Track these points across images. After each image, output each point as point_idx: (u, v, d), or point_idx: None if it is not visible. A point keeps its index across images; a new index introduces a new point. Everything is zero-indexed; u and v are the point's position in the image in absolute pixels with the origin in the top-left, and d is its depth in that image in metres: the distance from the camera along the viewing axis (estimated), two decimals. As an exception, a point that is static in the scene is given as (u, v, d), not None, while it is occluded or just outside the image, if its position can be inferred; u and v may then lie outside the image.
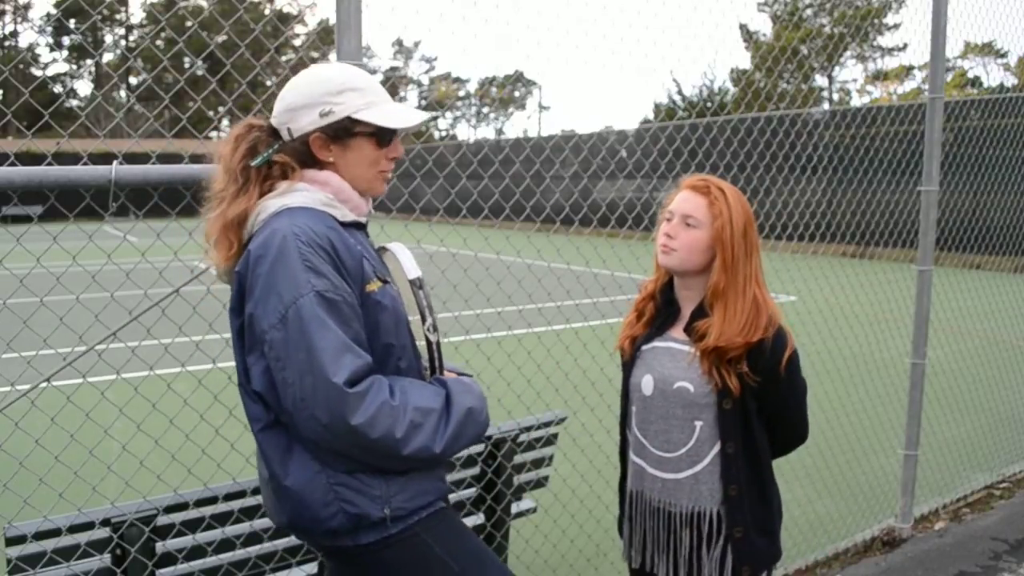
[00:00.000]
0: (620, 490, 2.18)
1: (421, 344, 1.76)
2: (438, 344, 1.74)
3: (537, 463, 3.31)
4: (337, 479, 1.58)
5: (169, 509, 2.38)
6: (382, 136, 1.69)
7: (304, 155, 1.68)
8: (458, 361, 3.39)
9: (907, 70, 37.81)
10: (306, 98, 1.65)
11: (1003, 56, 36.50)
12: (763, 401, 1.95)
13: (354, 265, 1.59)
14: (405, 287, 1.74)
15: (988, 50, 35.59)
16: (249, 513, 2.45)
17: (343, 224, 1.66)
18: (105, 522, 2.30)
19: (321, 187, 1.66)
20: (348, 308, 1.54)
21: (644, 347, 2.05)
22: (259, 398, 1.61)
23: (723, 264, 1.91)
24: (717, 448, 1.94)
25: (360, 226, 1.74)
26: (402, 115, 1.71)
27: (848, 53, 41.01)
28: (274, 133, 1.69)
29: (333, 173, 1.68)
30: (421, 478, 1.66)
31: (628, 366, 2.10)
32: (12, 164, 1.89)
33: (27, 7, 52.72)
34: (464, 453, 3.05)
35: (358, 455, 1.55)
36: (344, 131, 1.66)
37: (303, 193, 1.63)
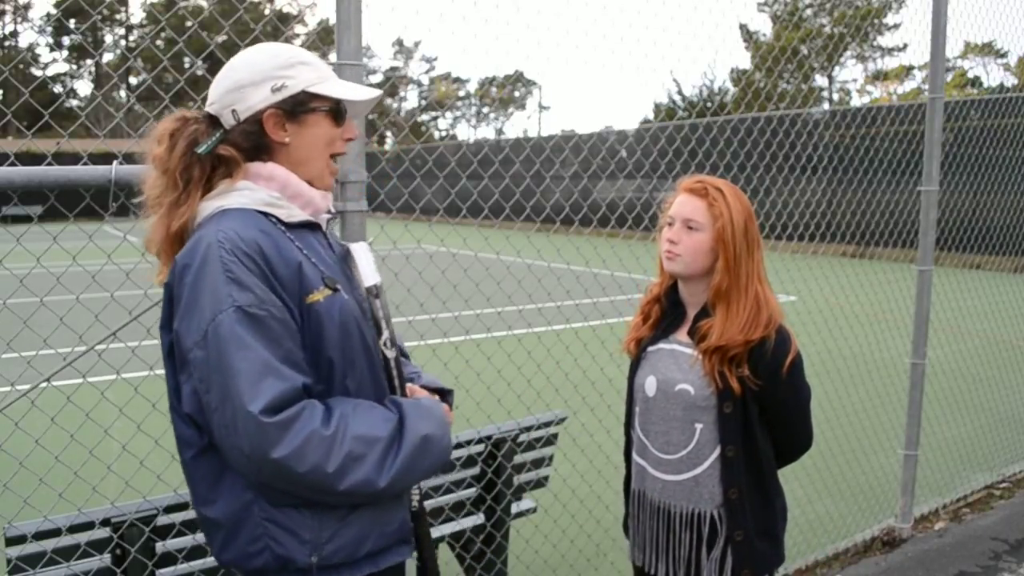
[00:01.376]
0: (625, 490, 2.18)
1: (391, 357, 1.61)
2: (396, 361, 1.59)
3: (537, 463, 3.31)
4: (268, 513, 1.42)
5: (169, 509, 2.38)
6: (339, 113, 1.56)
7: (255, 138, 1.51)
8: (458, 362, 3.40)
9: (907, 70, 37.82)
10: (254, 74, 1.49)
11: (1003, 56, 36.53)
12: (765, 405, 1.95)
13: (289, 274, 1.42)
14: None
15: (988, 50, 35.59)
16: (249, 513, 2.44)
17: (291, 225, 1.51)
18: (105, 522, 2.30)
19: (266, 183, 1.50)
20: (277, 324, 1.37)
21: (649, 348, 2.06)
22: (191, 421, 1.44)
23: (726, 264, 1.91)
24: (718, 451, 1.94)
25: (314, 227, 1.57)
26: (358, 89, 1.59)
27: (848, 53, 41.01)
28: (214, 123, 1.52)
29: (278, 166, 1.52)
30: (364, 522, 1.48)
31: (633, 367, 2.11)
32: (12, 164, 1.89)
33: (27, 7, 52.73)
34: (464, 453, 3.05)
35: (289, 489, 1.38)
36: (300, 106, 1.51)
37: (243, 192, 1.48)
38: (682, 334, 2.01)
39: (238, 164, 1.49)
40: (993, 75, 38.91)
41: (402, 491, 1.53)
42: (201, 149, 1.48)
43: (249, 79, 1.50)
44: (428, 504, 2.91)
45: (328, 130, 1.56)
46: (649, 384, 2.02)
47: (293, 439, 1.31)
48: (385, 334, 1.57)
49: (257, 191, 1.49)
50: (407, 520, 1.59)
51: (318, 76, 1.54)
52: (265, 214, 1.48)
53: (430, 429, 1.48)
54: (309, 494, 1.39)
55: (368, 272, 1.58)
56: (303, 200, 1.54)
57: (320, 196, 1.58)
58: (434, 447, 1.48)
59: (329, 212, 1.63)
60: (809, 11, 39.34)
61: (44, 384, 2.07)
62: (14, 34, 53.73)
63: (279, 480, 1.35)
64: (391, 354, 1.58)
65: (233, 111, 1.50)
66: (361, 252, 1.61)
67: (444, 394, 1.72)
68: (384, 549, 1.54)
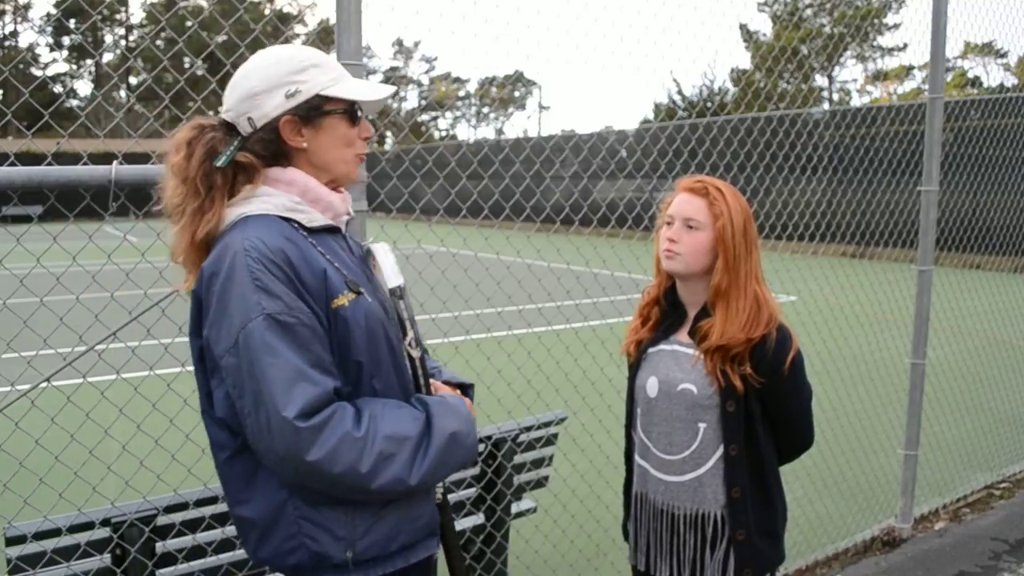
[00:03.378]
0: (625, 492, 2.18)
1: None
2: (422, 360, 1.61)
3: (537, 463, 3.31)
4: (303, 511, 1.46)
5: (169, 509, 2.38)
6: (355, 114, 1.56)
7: (273, 145, 1.52)
8: (458, 362, 3.39)
9: (907, 70, 37.81)
10: (267, 81, 1.49)
11: (1003, 56, 36.52)
12: (767, 403, 1.95)
13: (315, 281, 1.44)
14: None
15: (988, 50, 35.59)
16: (249, 513, 2.45)
17: (312, 230, 1.52)
18: (105, 522, 2.30)
19: (286, 188, 1.51)
20: (305, 330, 1.39)
21: (650, 350, 2.05)
22: (224, 424, 1.49)
23: (725, 264, 1.91)
24: (720, 451, 1.94)
25: (334, 230, 1.58)
26: (371, 89, 1.58)
27: (848, 53, 41.00)
28: (230, 130, 1.53)
29: (297, 170, 1.53)
30: (396, 517, 1.52)
31: (633, 369, 2.10)
32: (12, 164, 1.89)
33: (27, 7, 52.72)
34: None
35: (324, 490, 1.42)
36: (315, 110, 1.51)
37: (264, 198, 1.49)
38: (682, 335, 2.01)
39: (257, 170, 1.51)
40: (993, 75, 38.93)
41: (431, 487, 1.56)
42: (220, 162, 1.48)
43: (262, 86, 1.50)
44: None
45: (345, 131, 1.56)
46: (651, 385, 2.02)
47: (326, 442, 1.35)
48: (410, 334, 1.59)
49: (278, 196, 1.50)
50: (435, 513, 1.62)
51: (331, 78, 1.53)
52: (287, 219, 1.49)
53: (457, 426, 1.50)
54: (344, 493, 1.42)
55: (392, 273, 1.58)
56: (323, 204, 1.55)
57: (340, 199, 1.59)
58: (461, 443, 1.51)
59: (348, 214, 1.63)
60: (809, 11, 39.32)
61: (44, 384, 2.07)
62: (14, 34, 53.75)
63: (315, 481, 1.39)
64: (416, 354, 1.60)
65: (249, 119, 1.50)
66: (383, 254, 1.61)
67: (465, 388, 1.75)
68: (415, 543, 1.57)
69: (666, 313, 2.07)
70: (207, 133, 1.51)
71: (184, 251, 1.51)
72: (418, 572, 1.60)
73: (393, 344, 1.55)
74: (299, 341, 1.38)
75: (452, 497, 3.05)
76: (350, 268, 1.55)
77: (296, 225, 1.50)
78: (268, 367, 1.35)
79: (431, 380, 1.66)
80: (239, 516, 1.52)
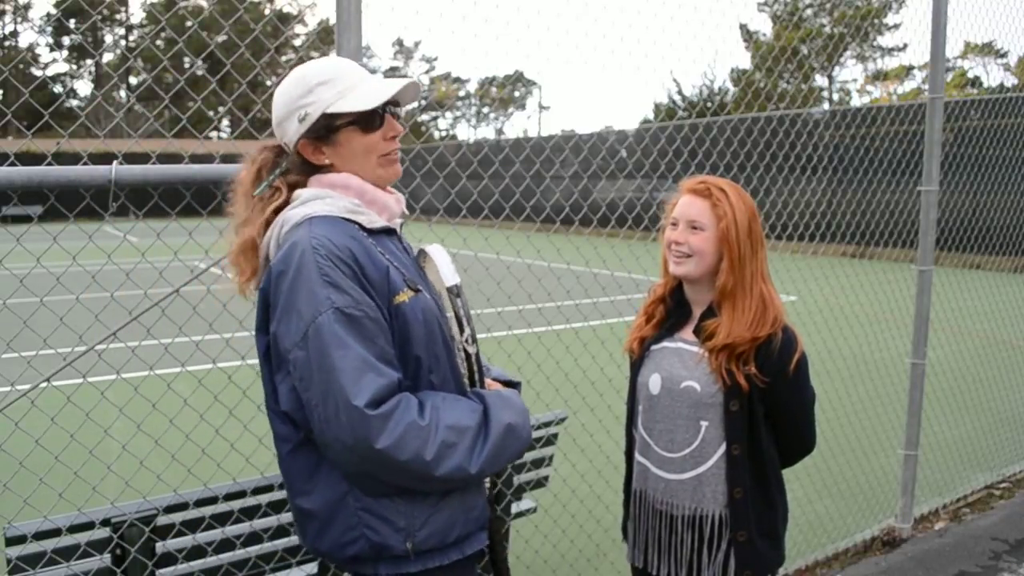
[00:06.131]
0: (625, 491, 2.18)
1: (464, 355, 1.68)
2: (477, 356, 1.65)
3: (537, 463, 3.31)
4: (363, 503, 1.51)
5: (169, 509, 2.37)
6: (367, 121, 1.57)
7: (306, 166, 1.61)
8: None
9: (907, 70, 37.81)
10: (285, 108, 1.57)
11: (1003, 56, 36.51)
12: (770, 404, 1.95)
13: (379, 277, 1.50)
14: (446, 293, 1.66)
15: (988, 50, 35.59)
16: (249, 513, 2.45)
17: (371, 231, 1.57)
18: (105, 522, 2.29)
19: (343, 191, 1.57)
20: (372, 323, 1.45)
21: (653, 347, 2.05)
22: (287, 418, 1.54)
23: (730, 264, 1.91)
24: (723, 450, 1.94)
25: (390, 231, 1.64)
26: (376, 92, 1.57)
27: (848, 53, 41.01)
28: (280, 153, 1.64)
29: (351, 175, 1.59)
30: (452, 509, 1.57)
31: (636, 365, 2.10)
32: (12, 164, 1.89)
33: (27, 7, 52.72)
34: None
35: (389, 478, 1.47)
36: (325, 129, 1.56)
37: (326, 200, 1.55)
38: (687, 333, 2.01)
39: (287, 191, 1.59)
40: (993, 75, 38.94)
41: (491, 474, 1.59)
42: (256, 191, 1.60)
43: (281, 113, 1.58)
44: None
45: (362, 141, 1.58)
46: (653, 382, 2.02)
47: (394, 430, 1.40)
48: (467, 331, 1.63)
49: (340, 199, 1.56)
50: (486, 506, 1.68)
51: (337, 92, 1.55)
52: (349, 221, 1.54)
53: (513, 418, 1.55)
54: (408, 482, 1.47)
55: (448, 273, 1.61)
56: (379, 206, 1.61)
57: (394, 200, 1.65)
58: (518, 434, 1.56)
59: (403, 215, 1.69)
60: (809, 11, 39.33)
61: (44, 384, 2.07)
62: (14, 34, 53.75)
63: (381, 469, 1.44)
64: (472, 350, 1.64)
65: (285, 144, 1.61)
66: (439, 254, 1.64)
67: (512, 385, 1.79)
68: (469, 535, 1.62)
69: (671, 311, 2.07)
70: (263, 154, 1.64)
71: (232, 256, 1.61)
72: (470, 564, 1.65)
73: (447, 340, 1.61)
74: (366, 334, 1.43)
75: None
76: (407, 267, 1.61)
77: (357, 226, 1.55)
78: (337, 358, 1.40)
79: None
80: (300, 507, 1.57)
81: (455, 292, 1.61)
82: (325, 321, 1.41)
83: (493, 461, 1.51)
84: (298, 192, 1.58)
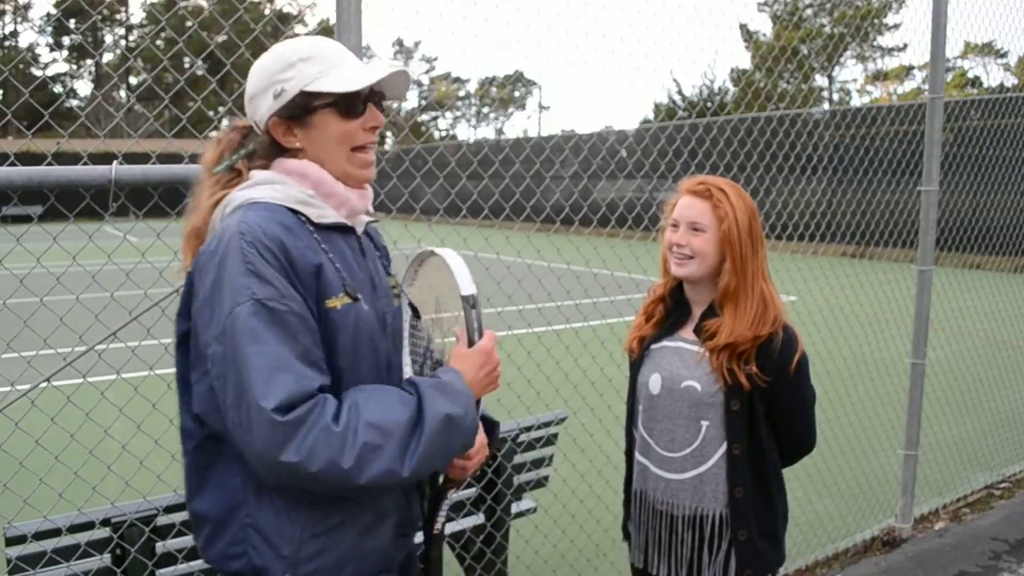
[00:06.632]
0: (625, 491, 2.18)
1: (407, 364, 1.56)
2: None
3: (537, 463, 3.31)
4: (253, 518, 1.38)
5: (169, 509, 2.38)
6: (347, 105, 1.43)
7: (272, 148, 1.47)
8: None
9: (907, 70, 37.82)
10: (260, 82, 1.44)
11: (1003, 56, 36.52)
12: (770, 403, 1.95)
13: (307, 275, 1.36)
14: (450, 299, 1.51)
15: (988, 50, 35.59)
16: (249, 513, 2.45)
17: (320, 226, 1.44)
18: (105, 522, 2.30)
19: (299, 180, 1.44)
20: (296, 319, 1.31)
21: (653, 346, 2.05)
22: (198, 417, 1.42)
23: (732, 265, 1.91)
24: (723, 449, 1.94)
25: (346, 229, 1.49)
26: (361, 75, 1.43)
27: (848, 53, 41.00)
28: (246, 134, 1.52)
29: (312, 163, 1.45)
30: (345, 548, 1.41)
31: (636, 365, 2.10)
32: (12, 164, 1.89)
33: (27, 7, 52.72)
34: (464, 453, 3.05)
35: (308, 488, 1.32)
36: (301, 108, 1.42)
37: (276, 187, 1.42)
38: (687, 332, 2.01)
39: (248, 175, 1.48)
40: (993, 75, 38.94)
41: (428, 474, 1.45)
42: (217, 168, 1.48)
43: (257, 88, 1.45)
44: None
45: (338, 126, 1.44)
46: (653, 381, 2.01)
47: (304, 439, 1.24)
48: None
49: (291, 187, 1.43)
50: (389, 551, 1.52)
51: (319, 70, 1.42)
52: (295, 211, 1.42)
53: (451, 408, 1.36)
54: (328, 491, 1.34)
55: (465, 281, 1.46)
56: (338, 200, 1.46)
57: (357, 196, 1.50)
58: (458, 425, 1.36)
59: (368, 214, 1.56)
60: (809, 11, 39.33)
61: (44, 384, 2.07)
62: (14, 34, 53.75)
63: (295, 481, 1.29)
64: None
65: (255, 122, 1.48)
66: (455, 261, 1.48)
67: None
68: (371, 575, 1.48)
69: (671, 310, 2.07)
70: (229, 135, 1.52)
71: (185, 236, 1.52)
72: None
73: (380, 358, 1.47)
74: (288, 330, 1.29)
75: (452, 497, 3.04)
76: (353, 272, 1.46)
77: (303, 219, 1.42)
78: (252, 355, 1.26)
79: None
80: (194, 509, 1.46)
81: (471, 303, 1.46)
82: (242, 313, 1.27)
83: (431, 459, 1.33)
84: (253, 173, 1.46)
